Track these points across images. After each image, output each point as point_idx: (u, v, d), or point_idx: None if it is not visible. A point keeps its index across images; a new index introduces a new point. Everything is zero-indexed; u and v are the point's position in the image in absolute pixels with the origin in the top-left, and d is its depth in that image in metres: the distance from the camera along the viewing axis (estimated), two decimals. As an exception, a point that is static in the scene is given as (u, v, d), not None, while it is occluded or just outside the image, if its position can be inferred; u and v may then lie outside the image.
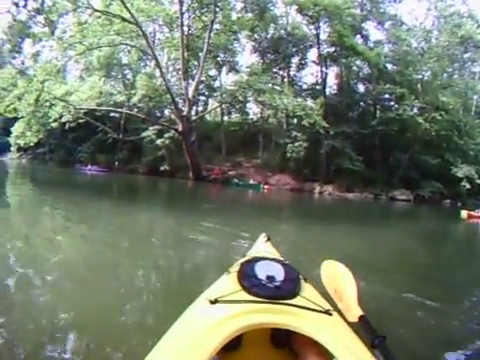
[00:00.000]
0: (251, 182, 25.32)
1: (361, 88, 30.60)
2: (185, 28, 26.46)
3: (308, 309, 1.32)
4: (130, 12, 21.34)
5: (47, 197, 9.84)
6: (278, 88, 24.27)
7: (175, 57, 29.03)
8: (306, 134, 24.78)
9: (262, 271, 1.54)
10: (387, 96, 28.50)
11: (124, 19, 22.26)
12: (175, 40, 27.58)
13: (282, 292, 1.40)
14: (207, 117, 34.55)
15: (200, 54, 25.68)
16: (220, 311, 1.29)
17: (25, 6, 19.19)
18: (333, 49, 28.71)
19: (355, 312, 1.48)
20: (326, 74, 29.45)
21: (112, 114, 32.60)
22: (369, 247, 6.74)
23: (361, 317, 1.44)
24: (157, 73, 27.70)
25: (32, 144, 34.67)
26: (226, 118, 32.47)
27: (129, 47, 30.60)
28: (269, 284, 1.44)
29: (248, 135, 29.01)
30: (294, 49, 29.90)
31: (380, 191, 24.28)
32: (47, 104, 25.89)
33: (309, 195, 23.25)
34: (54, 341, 2.27)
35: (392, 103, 28.63)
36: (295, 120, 27.04)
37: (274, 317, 1.26)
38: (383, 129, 25.45)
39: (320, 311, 1.35)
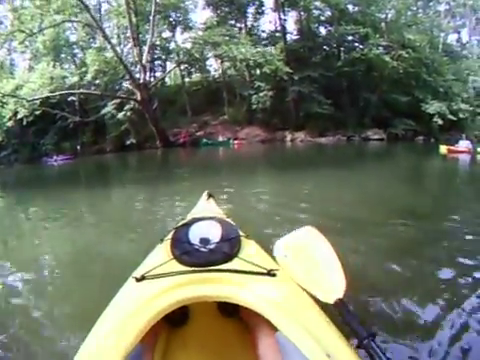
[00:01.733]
0: (220, 139, 24.67)
1: (323, 31, 29.63)
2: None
3: (246, 272, 1.18)
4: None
5: (15, 199, 9.08)
6: (235, 39, 23.11)
7: (125, 25, 27.08)
8: (270, 83, 24.17)
9: (196, 234, 1.41)
10: (351, 38, 27.85)
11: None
12: (121, 7, 25.94)
13: (216, 256, 1.26)
14: (167, 81, 33.44)
15: (150, 17, 24.21)
16: (145, 289, 1.15)
17: None
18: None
19: (333, 296, 1.19)
20: (285, 20, 28.39)
21: (70, 98, 30.73)
22: (350, 191, 6.09)
23: (341, 304, 1.16)
24: (108, 46, 26.03)
25: None
26: (187, 79, 31.40)
27: (75, 25, 29.09)
28: (202, 248, 1.31)
29: (211, 93, 28.06)
30: (249, -3, 28.47)
31: (352, 132, 23.95)
32: None
33: (281, 144, 22.72)
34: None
35: (356, 44, 28.07)
36: (257, 71, 26.32)
37: (205, 288, 1.11)
38: (349, 70, 24.99)
39: (260, 273, 1.19)
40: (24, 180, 17.06)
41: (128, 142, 26.56)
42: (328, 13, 28.39)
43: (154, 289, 1.12)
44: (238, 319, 1.46)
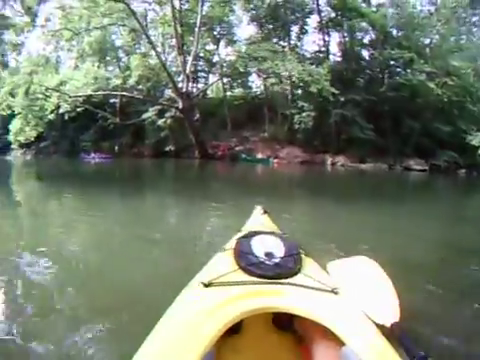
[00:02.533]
0: (260, 157, 24.48)
1: (366, 55, 29.30)
2: (176, 2, 25.44)
3: (311, 288, 1.24)
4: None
5: (53, 190, 9.25)
6: (280, 55, 22.81)
7: (170, 34, 27.65)
8: (313, 104, 23.81)
9: (260, 247, 1.46)
10: (394, 62, 27.29)
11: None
12: (167, 16, 26.43)
13: (282, 270, 1.32)
14: (209, 94, 33.75)
15: (195, 29, 24.49)
16: (215, 295, 1.20)
17: None
18: (334, 14, 27.58)
19: (389, 319, 1.23)
20: (328, 41, 28.37)
21: (113, 100, 31.93)
22: (399, 226, 5.50)
23: (396, 326, 1.20)
24: (153, 52, 26.59)
25: (33, 139, 34.40)
26: (229, 93, 31.38)
27: (121, 29, 29.69)
28: (268, 261, 1.36)
29: (253, 108, 27.74)
30: (293, 16, 28.51)
31: (393, 161, 23.29)
32: (41, 96, 25.03)
33: (321, 167, 22.17)
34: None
35: (400, 69, 27.66)
36: (299, 91, 26.14)
37: (274, 299, 1.18)
38: (392, 95, 24.26)
39: (324, 290, 1.25)
40: (61, 172, 17.45)
41: (166, 149, 26.84)
42: (371, 36, 28.24)
43: (223, 297, 1.16)
44: (291, 333, 1.49)
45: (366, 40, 28.87)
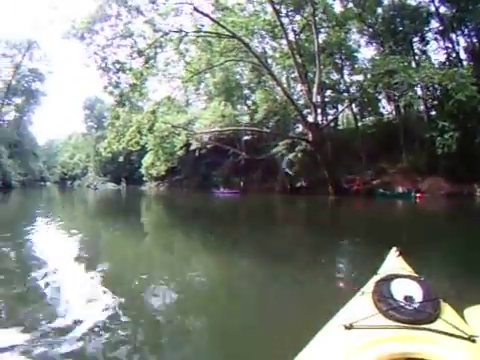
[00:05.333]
0: (400, 191, 22.34)
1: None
2: (290, 33, 25.81)
3: (449, 335, 1.22)
4: (224, 27, 20.87)
5: (178, 221, 11.05)
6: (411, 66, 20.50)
7: (291, 65, 26.59)
8: (455, 122, 20.74)
9: (399, 291, 1.47)
10: None
11: (220, 35, 21.91)
12: (285, 49, 26.46)
13: (422, 315, 1.32)
14: (341, 126, 33.32)
15: (316, 60, 23.86)
16: (356, 338, 1.25)
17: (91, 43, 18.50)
18: (455, 10, 24.22)
19: None
20: (457, 48, 25.36)
21: (245, 137, 33.44)
22: None
23: None
24: (276, 86, 26.67)
25: (164, 173, 39.19)
26: (360, 124, 29.79)
27: (244, 68, 31.39)
28: (407, 306, 1.37)
29: (387, 136, 25.06)
30: (411, 26, 25.94)
31: None
32: (166, 133, 26.44)
33: (469, 201, 18.68)
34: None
35: None
36: (433, 112, 23.76)
37: (412, 345, 1.18)
38: None
39: (462, 337, 1.23)
40: (190, 206, 19.04)
41: (298, 184, 26.42)
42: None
43: (364, 340, 1.21)
44: None
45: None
